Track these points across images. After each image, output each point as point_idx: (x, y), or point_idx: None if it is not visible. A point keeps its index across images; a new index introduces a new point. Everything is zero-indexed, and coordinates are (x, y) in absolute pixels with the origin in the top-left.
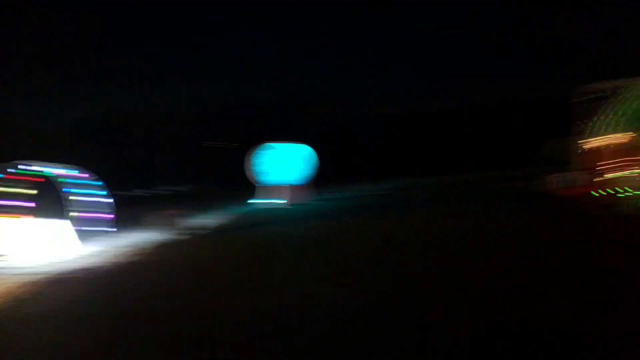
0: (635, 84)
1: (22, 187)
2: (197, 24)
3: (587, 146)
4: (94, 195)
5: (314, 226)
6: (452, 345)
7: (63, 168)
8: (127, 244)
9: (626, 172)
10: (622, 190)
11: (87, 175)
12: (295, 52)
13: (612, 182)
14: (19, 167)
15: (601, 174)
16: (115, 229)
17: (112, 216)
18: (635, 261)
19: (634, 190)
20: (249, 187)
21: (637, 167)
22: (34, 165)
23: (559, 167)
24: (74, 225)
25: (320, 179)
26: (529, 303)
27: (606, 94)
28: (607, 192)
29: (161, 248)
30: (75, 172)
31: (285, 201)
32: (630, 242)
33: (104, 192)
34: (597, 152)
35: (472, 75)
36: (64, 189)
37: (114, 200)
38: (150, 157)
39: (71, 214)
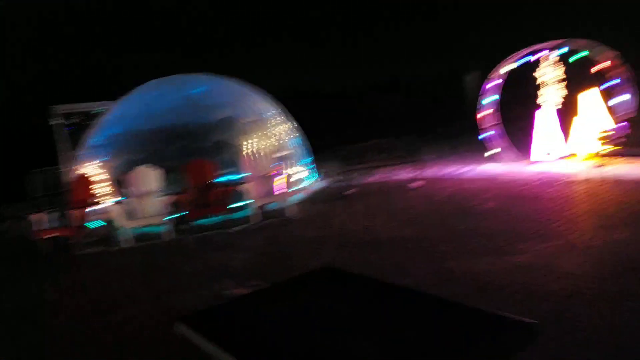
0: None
1: None
2: None
3: (73, 176)
4: None
5: None
6: None
7: None
8: None
9: (105, 203)
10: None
11: None
12: None
13: (97, 215)
14: None
15: (84, 208)
16: None
17: None
18: None
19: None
20: None
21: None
22: None
23: (52, 202)
24: None
25: None
26: None
27: (86, 118)
28: (97, 227)
29: None
30: None
31: None
32: None
33: None
34: (80, 182)
35: None
36: None
37: None
38: None
39: None
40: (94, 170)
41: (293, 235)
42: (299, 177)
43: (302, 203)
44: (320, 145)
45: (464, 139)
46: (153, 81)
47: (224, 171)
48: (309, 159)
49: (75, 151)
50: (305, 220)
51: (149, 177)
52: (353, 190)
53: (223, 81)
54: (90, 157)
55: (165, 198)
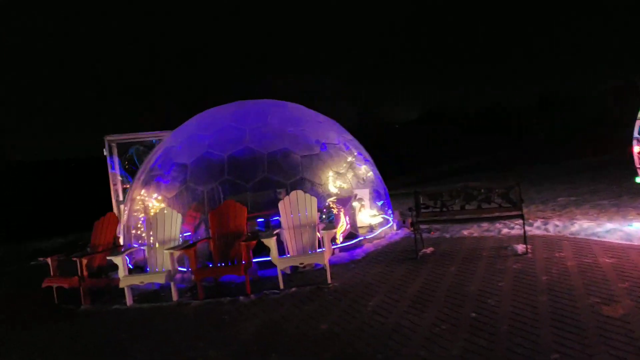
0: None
1: None
2: None
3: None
4: None
5: None
6: None
7: None
8: None
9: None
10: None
11: None
12: None
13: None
14: None
15: (99, 254)
16: None
17: None
18: None
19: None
20: None
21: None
22: None
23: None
24: None
25: None
26: None
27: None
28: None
29: None
30: None
31: None
32: None
33: None
34: (101, 224)
35: None
36: None
37: None
38: None
39: None
40: (127, 208)
41: (299, 325)
42: (364, 226)
43: (357, 263)
44: (404, 182)
45: (619, 176)
46: (209, 110)
47: (259, 217)
48: (381, 202)
49: (123, 185)
50: (339, 295)
51: (166, 223)
52: (429, 250)
53: (284, 106)
54: (134, 194)
55: (176, 250)
